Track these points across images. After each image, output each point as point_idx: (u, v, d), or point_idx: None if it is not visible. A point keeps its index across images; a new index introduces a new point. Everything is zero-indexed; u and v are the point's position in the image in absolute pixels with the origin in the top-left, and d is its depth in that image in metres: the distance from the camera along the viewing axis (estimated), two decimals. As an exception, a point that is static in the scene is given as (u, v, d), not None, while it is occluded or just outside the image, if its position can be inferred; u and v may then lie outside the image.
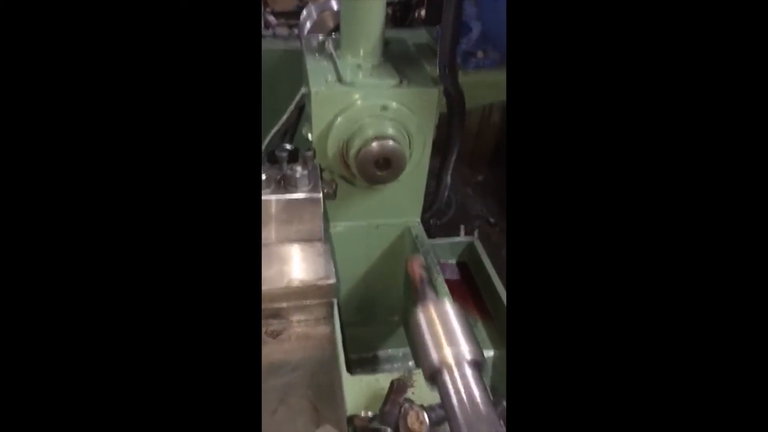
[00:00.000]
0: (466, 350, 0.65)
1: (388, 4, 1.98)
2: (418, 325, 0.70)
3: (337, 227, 1.42)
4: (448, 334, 0.66)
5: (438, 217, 2.11)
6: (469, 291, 1.76)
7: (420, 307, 0.72)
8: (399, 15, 2.00)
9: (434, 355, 0.65)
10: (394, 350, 1.79)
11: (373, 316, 1.69)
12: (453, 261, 1.81)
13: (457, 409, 0.60)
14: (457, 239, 1.77)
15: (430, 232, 1.90)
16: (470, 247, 1.73)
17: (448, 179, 1.52)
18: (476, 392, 0.60)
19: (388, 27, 1.93)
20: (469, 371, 0.63)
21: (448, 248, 1.77)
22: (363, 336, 1.71)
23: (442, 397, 0.64)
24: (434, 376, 0.65)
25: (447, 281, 1.56)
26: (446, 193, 1.58)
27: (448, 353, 0.64)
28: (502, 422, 0.59)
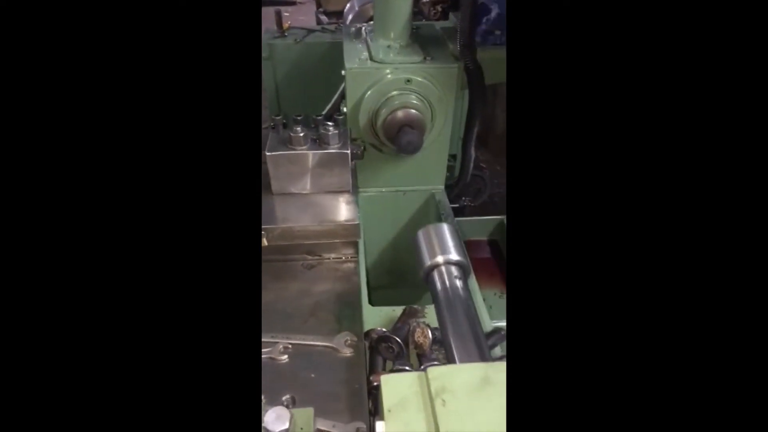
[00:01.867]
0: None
1: (436, 3, 2.09)
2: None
3: (368, 192, 1.58)
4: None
5: (472, 199, 2.18)
6: (498, 268, 1.86)
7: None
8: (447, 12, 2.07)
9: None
10: (423, 312, 1.92)
11: (401, 280, 1.83)
12: (484, 238, 1.90)
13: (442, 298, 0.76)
14: (488, 217, 1.81)
15: (464, 213, 1.99)
16: (501, 225, 1.78)
17: (472, 151, 1.64)
18: (458, 284, 0.76)
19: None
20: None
21: (479, 226, 1.83)
22: (392, 299, 1.86)
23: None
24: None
25: (477, 259, 1.62)
26: (471, 165, 1.70)
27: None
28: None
